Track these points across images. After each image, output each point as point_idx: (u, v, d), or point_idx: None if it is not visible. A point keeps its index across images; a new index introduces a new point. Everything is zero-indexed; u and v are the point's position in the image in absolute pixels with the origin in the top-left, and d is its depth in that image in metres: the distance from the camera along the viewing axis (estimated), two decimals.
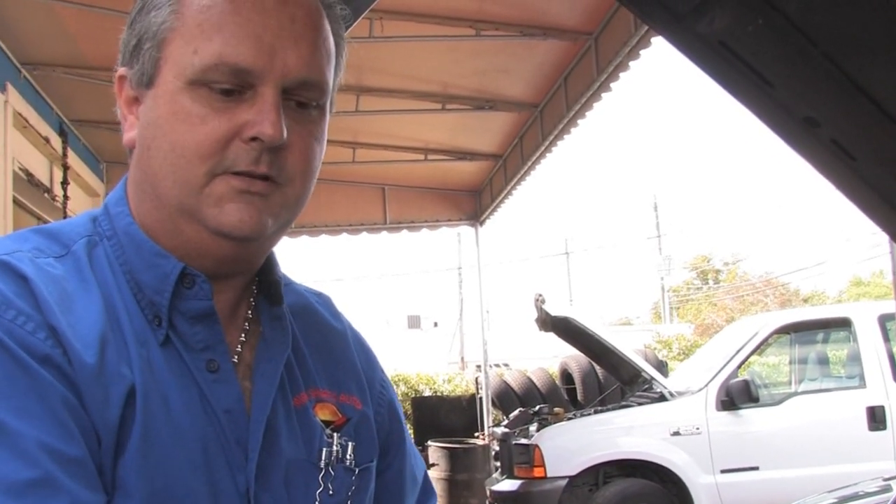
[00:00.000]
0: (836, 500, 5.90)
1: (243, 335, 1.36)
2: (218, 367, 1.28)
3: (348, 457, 1.40)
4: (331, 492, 1.36)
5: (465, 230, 14.34)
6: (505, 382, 16.07)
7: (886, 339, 10.27)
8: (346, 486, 1.38)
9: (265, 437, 1.29)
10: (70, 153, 8.87)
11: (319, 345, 1.47)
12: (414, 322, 44.54)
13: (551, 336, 11.04)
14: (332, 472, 1.37)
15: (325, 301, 1.56)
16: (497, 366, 17.39)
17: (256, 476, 1.27)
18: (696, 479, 9.37)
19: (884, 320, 10.36)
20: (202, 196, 1.23)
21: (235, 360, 1.32)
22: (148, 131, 1.25)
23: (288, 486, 1.32)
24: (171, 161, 1.22)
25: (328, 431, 1.39)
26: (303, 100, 1.26)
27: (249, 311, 1.38)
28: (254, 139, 1.21)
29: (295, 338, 1.41)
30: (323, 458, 1.37)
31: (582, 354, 12.34)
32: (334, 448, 1.38)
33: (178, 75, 1.22)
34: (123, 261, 1.27)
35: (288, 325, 1.40)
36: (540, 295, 10.66)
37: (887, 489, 3.80)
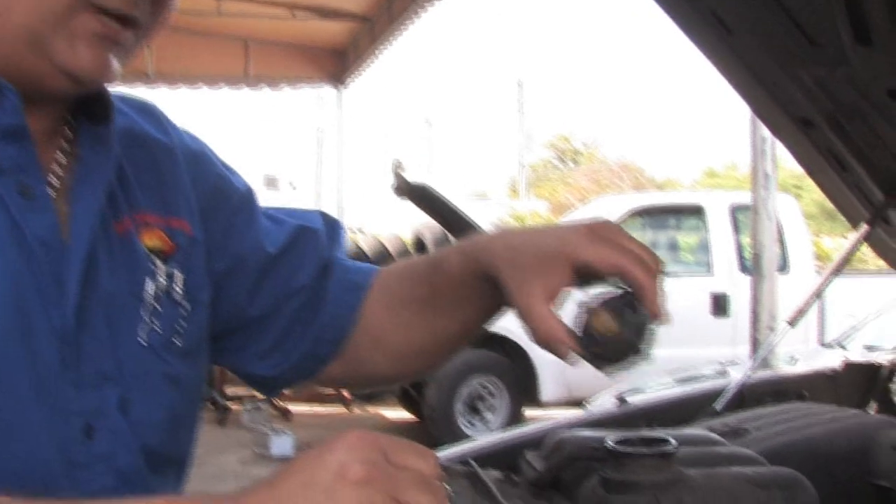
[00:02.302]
0: (675, 382, 6.07)
1: (62, 158, 1.20)
2: (31, 192, 1.12)
3: (177, 289, 1.26)
4: (157, 328, 1.23)
5: (328, 92, 14.10)
6: (358, 247, 15.99)
7: (736, 229, 10.46)
8: (174, 321, 1.25)
9: (84, 270, 1.15)
10: None
11: (146, 165, 1.30)
12: (272, 183, 44.03)
13: (407, 203, 10.95)
14: (159, 307, 1.24)
15: (151, 112, 1.39)
16: (351, 230, 17.28)
17: (74, 313, 1.13)
18: (542, 353, 9.42)
19: (735, 210, 10.54)
20: (58, 28, 1.07)
21: (52, 186, 1.16)
22: None
23: (109, 322, 1.18)
24: None
25: (155, 261, 1.25)
26: None
27: (70, 132, 1.22)
28: None
29: (119, 159, 1.25)
30: (148, 290, 1.23)
31: (436, 224, 12.29)
32: (161, 280, 1.25)
33: None
34: None
35: (113, 146, 1.24)
36: (398, 161, 10.52)
37: (724, 373, 3.90)
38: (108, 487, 1.15)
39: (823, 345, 7.30)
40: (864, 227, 2.59)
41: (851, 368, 2.64)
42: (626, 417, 2.27)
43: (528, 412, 9.84)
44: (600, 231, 1.23)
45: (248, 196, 1.45)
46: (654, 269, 1.21)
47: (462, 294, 1.37)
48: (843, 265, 2.76)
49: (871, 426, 2.01)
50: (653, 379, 6.83)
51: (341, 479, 0.92)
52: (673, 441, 1.31)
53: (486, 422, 9.64)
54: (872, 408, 2.52)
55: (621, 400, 2.37)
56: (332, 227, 1.51)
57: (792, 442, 1.92)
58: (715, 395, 2.44)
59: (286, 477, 0.95)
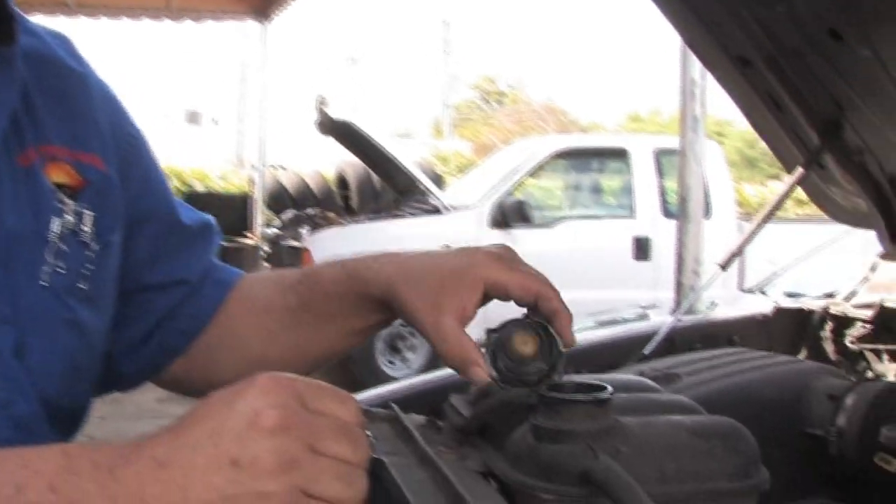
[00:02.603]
0: (595, 324, 6.05)
1: None
2: None
3: (85, 229, 1.16)
4: (61, 270, 1.12)
5: (252, 27, 13.84)
6: (279, 183, 15.82)
7: (660, 173, 10.49)
8: (80, 263, 1.15)
9: None
10: None
11: (56, 94, 1.19)
12: (193, 118, 43.41)
13: (330, 140, 10.84)
14: (65, 247, 1.13)
15: (63, 42, 1.27)
16: (273, 167, 17.06)
17: None
18: None
19: (659, 154, 10.58)
20: None
21: None
22: None
23: (8, 263, 1.07)
24: None
25: (62, 197, 1.14)
26: None
27: None
28: None
29: (25, 85, 1.14)
30: (53, 229, 1.12)
31: (359, 161, 12.21)
32: (68, 217, 1.14)
33: None
34: None
35: (18, 69, 1.12)
36: (322, 97, 10.40)
37: (644, 316, 3.89)
38: (2, 437, 1.05)
39: (744, 290, 7.35)
40: (799, 171, 2.54)
41: (782, 314, 2.59)
42: None
43: None
44: (506, 256, 1.24)
45: (158, 164, 1.38)
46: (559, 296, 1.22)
47: (334, 310, 1.33)
48: (777, 208, 2.71)
49: (805, 373, 1.96)
50: (574, 321, 6.82)
51: (253, 427, 0.83)
52: (609, 387, 1.23)
53: (406, 361, 9.61)
54: (803, 354, 2.48)
55: None
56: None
57: (725, 388, 1.86)
58: (643, 339, 2.38)
59: (192, 424, 0.85)
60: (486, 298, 1.23)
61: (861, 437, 1.80)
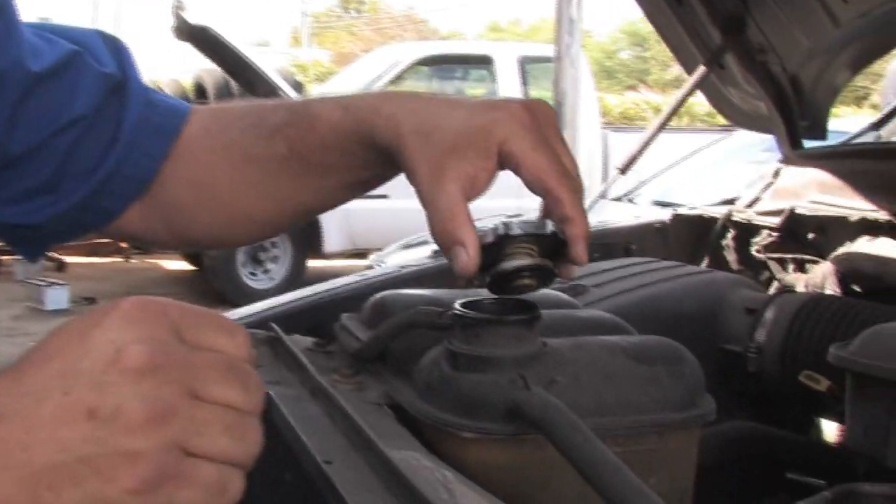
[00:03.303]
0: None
1: None
2: None
3: None
4: None
5: None
6: None
7: (524, 81, 10.41)
8: None
9: None
10: None
11: None
12: None
13: (188, 47, 10.44)
14: None
15: None
16: None
17: None
18: None
19: (524, 62, 10.50)
20: None
21: None
22: None
23: None
24: None
25: None
26: None
27: None
28: None
29: None
30: None
31: (218, 68, 11.84)
32: None
33: None
34: None
35: None
36: (179, 2, 9.97)
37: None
38: None
39: (609, 199, 7.29)
40: (699, 71, 2.39)
41: (681, 221, 2.45)
42: (445, 273, 2.00)
43: (312, 263, 9.62)
44: (538, 121, 0.98)
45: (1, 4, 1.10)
46: (581, 194, 0.97)
47: (332, 160, 1.09)
48: (676, 111, 2.57)
49: (720, 285, 1.81)
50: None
51: (114, 367, 0.62)
52: (535, 306, 1.05)
53: (268, 273, 9.38)
54: (704, 264, 2.34)
55: (435, 252, 2.10)
56: (117, 49, 1.17)
57: (637, 301, 1.70)
58: None
59: (38, 364, 0.63)
60: (500, 167, 0.98)
61: (783, 354, 1.67)
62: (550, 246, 0.96)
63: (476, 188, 0.95)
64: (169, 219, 1.15)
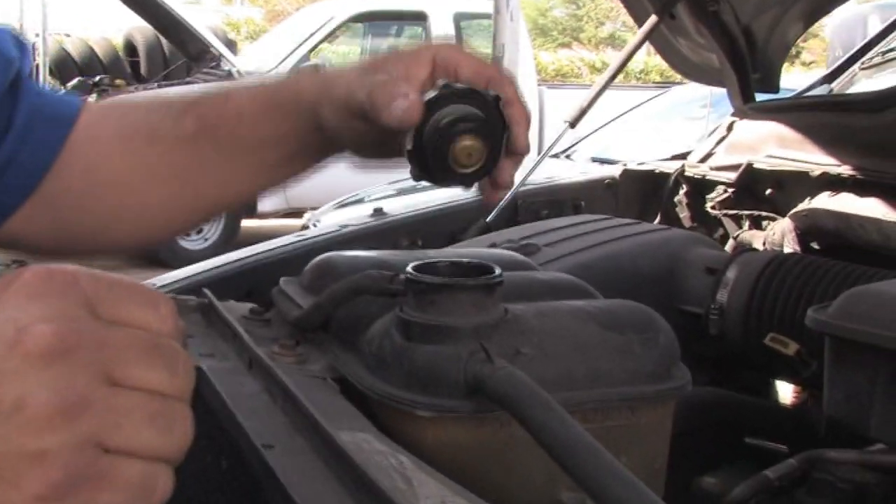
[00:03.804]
0: (396, 192, 5.85)
1: None
2: None
3: None
4: None
5: None
6: (64, 50, 14.94)
7: (459, 37, 10.34)
8: None
9: None
10: None
11: None
12: None
13: (118, 5, 10.22)
14: None
15: None
16: (57, 34, 16.05)
17: None
18: None
19: (459, 18, 10.42)
20: None
21: None
22: None
23: None
24: None
25: None
26: None
27: None
28: None
29: None
30: None
31: (148, 26, 11.64)
32: None
33: None
34: None
35: None
36: None
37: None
38: None
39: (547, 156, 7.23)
40: (650, 22, 2.29)
41: (631, 177, 2.36)
42: (387, 232, 1.90)
43: (246, 224, 9.45)
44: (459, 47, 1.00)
45: None
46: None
47: (250, 133, 1.01)
48: (626, 63, 2.47)
49: (678, 243, 1.72)
50: (375, 187, 6.58)
51: (14, 351, 0.51)
52: (496, 268, 0.95)
53: (202, 233, 9.20)
54: (656, 221, 2.26)
55: (377, 211, 2.00)
56: (20, 45, 1.06)
57: (592, 261, 1.61)
58: (480, 206, 2.11)
59: None
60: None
61: (747, 316, 1.59)
62: (492, 118, 0.91)
63: (418, 84, 0.92)
64: (58, 217, 1.04)
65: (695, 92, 7.57)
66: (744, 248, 1.80)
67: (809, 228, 1.85)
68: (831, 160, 1.87)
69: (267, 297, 1.28)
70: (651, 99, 8.24)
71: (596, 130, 7.20)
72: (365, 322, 1.00)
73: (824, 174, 1.86)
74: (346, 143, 0.99)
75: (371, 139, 0.94)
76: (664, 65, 2.71)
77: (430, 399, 0.89)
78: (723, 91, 2.37)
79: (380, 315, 0.99)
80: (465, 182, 0.92)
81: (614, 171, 2.37)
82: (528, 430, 0.79)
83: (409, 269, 0.94)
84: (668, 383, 0.97)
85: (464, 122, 0.89)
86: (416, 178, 0.92)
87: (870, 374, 1.06)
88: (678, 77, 2.82)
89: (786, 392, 1.90)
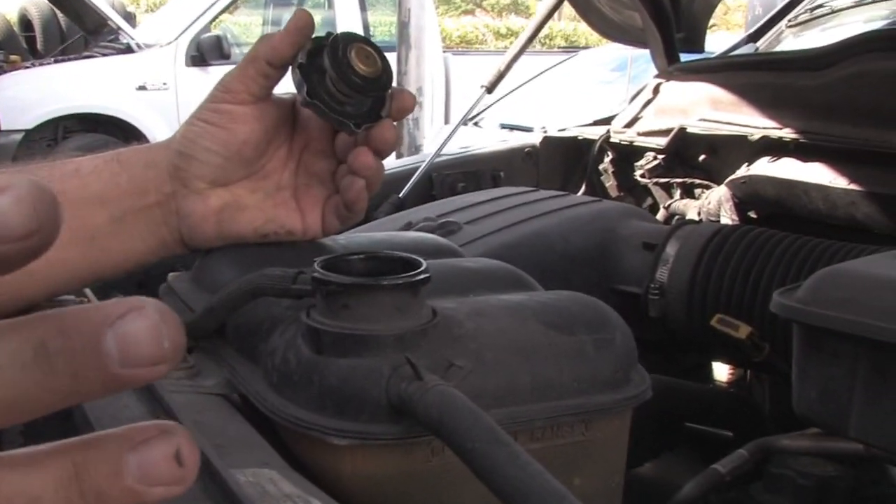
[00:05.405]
0: None
1: None
2: None
3: None
4: None
5: None
6: None
7: (363, 6, 10.18)
8: None
9: None
10: None
11: None
12: None
13: None
14: None
15: None
16: None
17: None
18: (161, 136, 8.86)
19: None
20: None
21: None
22: None
23: None
24: None
25: None
26: None
27: None
28: None
29: None
30: None
31: (44, 0, 11.29)
32: None
33: None
34: None
35: None
36: None
37: None
38: None
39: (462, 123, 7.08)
40: None
41: (552, 145, 2.21)
42: None
43: None
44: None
45: None
46: None
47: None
48: (545, 23, 2.32)
49: (610, 216, 1.58)
50: None
51: None
52: (421, 261, 0.79)
53: None
54: (581, 191, 2.11)
55: None
56: None
57: (518, 240, 1.46)
58: (394, 180, 1.95)
59: None
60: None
61: (690, 296, 1.45)
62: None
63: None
64: None
65: (605, 56, 7.45)
66: (683, 221, 1.66)
67: (748, 196, 1.72)
68: (771, 123, 1.74)
69: (156, 293, 1.11)
70: (559, 63, 8.13)
71: (505, 96, 7.06)
72: (266, 328, 0.83)
73: (764, 138, 1.72)
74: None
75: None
76: (569, 29, 2.59)
77: (346, 424, 0.73)
78: (634, 53, 2.24)
79: (283, 319, 0.83)
80: (366, 91, 0.90)
81: (534, 139, 2.22)
82: (463, 459, 0.65)
83: (316, 265, 0.78)
84: (627, 391, 0.83)
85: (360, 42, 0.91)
86: (305, 102, 0.90)
87: (848, 368, 0.93)
88: (583, 42, 2.70)
89: (721, 373, 1.79)
